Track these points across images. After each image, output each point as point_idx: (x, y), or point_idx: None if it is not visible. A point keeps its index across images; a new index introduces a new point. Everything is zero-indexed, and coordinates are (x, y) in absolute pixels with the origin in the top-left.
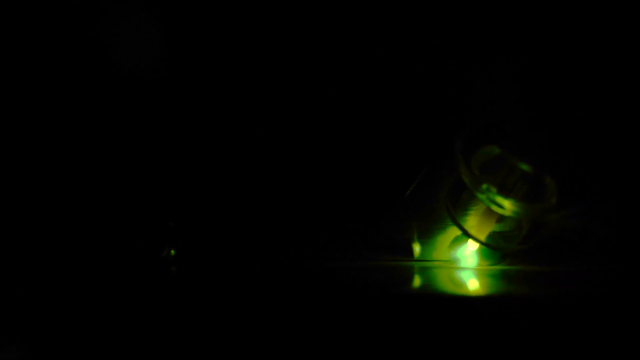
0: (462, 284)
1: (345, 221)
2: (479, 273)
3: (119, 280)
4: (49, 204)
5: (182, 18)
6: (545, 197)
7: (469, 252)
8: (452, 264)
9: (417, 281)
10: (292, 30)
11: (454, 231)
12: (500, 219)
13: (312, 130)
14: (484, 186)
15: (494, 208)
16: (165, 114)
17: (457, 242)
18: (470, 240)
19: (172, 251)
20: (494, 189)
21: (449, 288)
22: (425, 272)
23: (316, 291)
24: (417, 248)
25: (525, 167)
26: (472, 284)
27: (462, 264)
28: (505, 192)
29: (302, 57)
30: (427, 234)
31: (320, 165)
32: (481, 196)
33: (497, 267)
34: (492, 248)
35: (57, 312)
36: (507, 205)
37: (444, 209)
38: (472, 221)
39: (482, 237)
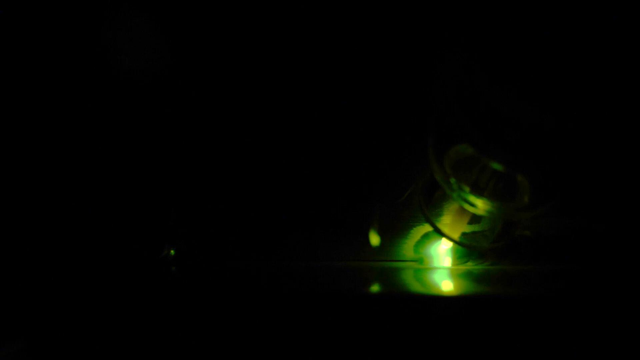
0: (434, 284)
1: (345, 221)
2: (454, 272)
3: (119, 280)
4: (49, 204)
5: (182, 19)
6: (517, 196)
7: (442, 251)
8: (426, 263)
9: (390, 281)
10: (291, 31)
11: (427, 230)
12: (474, 217)
13: (311, 130)
14: (457, 185)
15: (467, 207)
16: (165, 114)
17: (430, 240)
18: (443, 239)
19: (172, 251)
20: (466, 188)
21: (423, 288)
22: (399, 272)
23: (315, 291)
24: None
25: (497, 166)
26: (446, 284)
27: (436, 263)
28: (478, 191)
29: (302, 58)
30: (401, 233)
31: (319, 165)
32: (454, 195)
33: (476, 267)
34: (466, 247)
35: (57, 312)
36: (480, 204)
37: (417, 208)
38: (445, 220)
39: (456, 236)
